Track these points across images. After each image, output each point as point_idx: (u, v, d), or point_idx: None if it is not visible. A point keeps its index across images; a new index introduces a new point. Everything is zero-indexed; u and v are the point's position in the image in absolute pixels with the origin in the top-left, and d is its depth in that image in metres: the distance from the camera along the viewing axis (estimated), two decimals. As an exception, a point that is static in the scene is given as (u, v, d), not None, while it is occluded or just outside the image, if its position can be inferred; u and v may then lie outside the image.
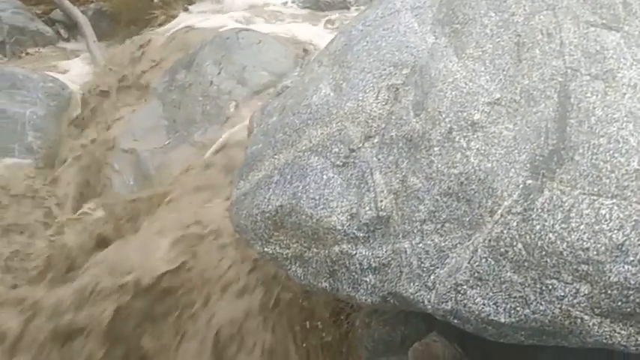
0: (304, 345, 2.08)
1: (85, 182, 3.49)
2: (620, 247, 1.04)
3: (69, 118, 3.71)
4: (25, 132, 3.53)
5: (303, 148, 1.50)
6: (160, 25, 4.28)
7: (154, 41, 4.08)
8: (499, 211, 1.11)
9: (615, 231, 1.05)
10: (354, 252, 1.31)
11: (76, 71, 4.04)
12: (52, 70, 3.98)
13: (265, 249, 1.46)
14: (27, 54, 4.21)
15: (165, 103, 3.70)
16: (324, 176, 1.41)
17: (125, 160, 3.52)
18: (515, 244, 1.09)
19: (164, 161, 3.40)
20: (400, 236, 1.24)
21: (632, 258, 1.03)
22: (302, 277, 1.41)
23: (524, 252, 1.07)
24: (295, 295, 2.12)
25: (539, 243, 1.06)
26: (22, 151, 3.51)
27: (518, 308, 1.08)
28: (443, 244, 1.17)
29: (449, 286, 1.13)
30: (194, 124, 3.52)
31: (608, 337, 1.07)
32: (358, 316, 2.04)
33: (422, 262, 1.19)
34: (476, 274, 1.11)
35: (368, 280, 1.28)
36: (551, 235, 1.08)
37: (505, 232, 1.10)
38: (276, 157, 1.55)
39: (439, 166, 1.25)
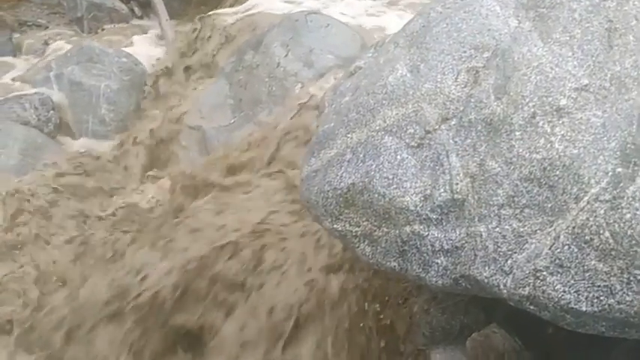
0: (361, 325, 2.09)
1: (153, 156, 3.61)
2: None
3: (140, 93, 3.83)
4: (99, 105, 3.67)
5: (377, 127, 1.50)
6: (230, 5, 4.34)
7: (223, 21, 4.15)
8: (585, 198, 1.08)
9: None
10: (426, 233, 1.30)
11: (148, 48, 4.16)
12: (125, 46, 4.11)
13: (335, 226, 1.47)
14: (103, 30, 4.37)
15: (232, 83, 3.77)
16: (398, 156, 1.40)
17: (192, 136, 3.62)
18: (602, 232, 1.05)
19: (229, 139, 3.48)
20: (476, 220, 1.22)
21: None
22: (370, 256, 1.41)
23: (611, 240, 1.04)
24: (354, 276, 2.13)
25: (628, 232, 1.03)
26: (96, 123, 3.66)
27: (601, 297, 1.05)
28: (522, 230, 1.15)
29: (527, 272, 1.11)
30: (259, 104, 3.58)
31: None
32: (417, 301, 2.03)
33: (498, 247, 1.17)
34: (557, 261, 1.08)
35: (439, 261, 1.27)
36: (642, 224, 1.03)
37: (591, 219, 1.07)
38: (348, 135, 1.56)
39: (520, 150, 1.22)
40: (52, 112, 3.56)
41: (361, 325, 2.09)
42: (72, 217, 3.05)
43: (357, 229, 1.43)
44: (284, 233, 2.41)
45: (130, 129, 3.69)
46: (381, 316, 2.09)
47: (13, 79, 3.82)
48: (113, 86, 3.70)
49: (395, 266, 1.36)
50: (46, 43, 4.14)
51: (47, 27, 4.34)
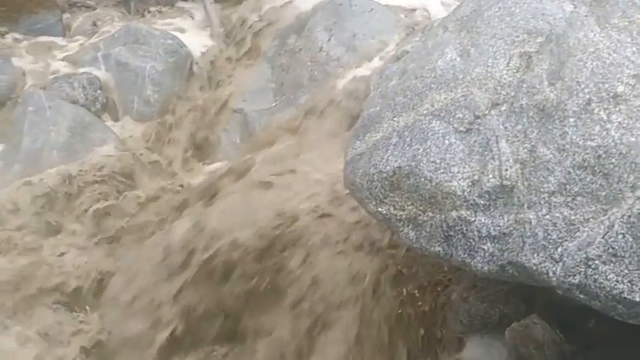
0: (399, 310, 2.09)
1: (196, 138, 3.66)
2: None
3: (184, 75, 3.87)
4: (145, 85, 3.72)
5: (425, 111, 1.49)
6: (275, -11, 4.33)
7: (267, 5, 4.15)
8: (643, 187, 1.05)
9: None
10: (473, 219, 1.29)
11: (192, 31, 4.20)
12: (170, 28, 4.16)
13: (379, 209, 1.47)
14: (149, 12, 4.42)
15: (274, 67, 3.78)
16: (446, 141, 1.39)
17: (234, 119, 3.65)
18: (659, 221, 1.03)
19: (270, 122, 3.50)
20: (525, 206, 1.20)
21: None
22: (414, 240, 1.41)
23: (669, 231, 1.01)
24: (395, 261, 2.13)
25: (687, 222, 1.00)
26: (141, 103, 3.72)
27: (657, 288, 1.02)
28: (573, 217, 1.13)
29: (578, 260, 1.09)
30: (301, 88, 3.59)
31: None
32: (456, 289, 2.02)
33: (548, 234, 1.15)
34: (610, 250, 1.06)
35: (486, 247, 1.26)
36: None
37: (649, 208, 1.05)
38: (395, 119, 1.55)
39: (574, 137, 1.19)
40: (99, 91, 3.64)
41: (399, 310, 2.09)
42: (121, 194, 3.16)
43: (401, 212, 1.43)
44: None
45: (174, 110, 3.74)
46: (420, 303, 2.09)
47: (63, 59, 3.91)
48: (158, 67, 3.75)
49: (439, 251, 1.36)
50: (95, 24, 4.21)
51: (95, 8, 4.42)
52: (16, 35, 4.07)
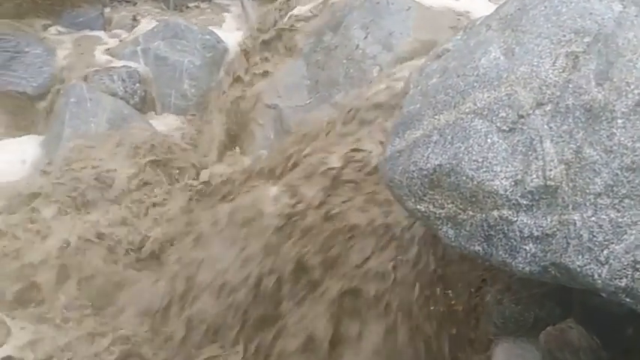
0: (432, 308, 2.09)
1: (231, 132, 3.70)
2: None
3: (221, 69, 3.92)
4: (182, 79, 3.79)
5: (467, 110, 1.48)
6: (311, -14, 4.34)
7: (303, 2, 4.17)
8: (695, 191, 1.03)
9: None
10: (515, 219, 1.28)
11: (229, 26, 4.25)
12: (208, 23, 4.22)
13: (418, 206, 1.46)
14: (187, 7, 4.49)
15: (310, 64, 3.79)
16: (489, 140, 1.38)
17: (268, 114, 3.68)
18: None
19: (304, 119, 3.51)
20: (570, 208, 1.19)
21: None
22: (453, 239, 1.40)
23: None
24: (429, 259, 2.12)
25: None
26: (178, 97, 3.78)
27: None
28: (620, 220, 1.11)
29: (625, 263, 1.07)
30: (336, 85, 3.59)
31: None
32: (490, 290, 2.00)
33: (594, 236, 1.14)
34: (659, 254, 1.04)
35: (528, 248, 1.25)
36: None
37: (701, 212, 1.02)
38: (436, 117, 1.54)
39: (622, 139, 1.17)
40: (137, 85, 3.72)
41: (432, 309, 2.08)
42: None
43: (441, 210, 1.42)
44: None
45: (210, 104, 3.79)
46: (453, 302, 2.08)
47: (103, 52, 4.00)
48: (196, 62, 3.81)
49: (479, 250, 1.35)
50: (134, 19, 4.30)
51: (135, 3, 4.52)
52: (60, 28, 4.18)
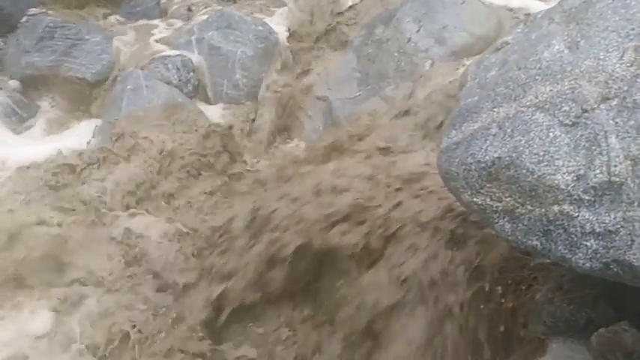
0: (481, 306, 2.07)
1: (280, 123, 3.74)
2: None
3: (272, 60, 3.96)
4: (234, 69, 3.84)
5: (528, 103, 1.46)
6: (364, -22, 4.33)
7: (355, -6, 4.17)
8: None
9: None
10: (576, 214, 1.26)
11: (281, 18, 4.28)
12: (261, 14, 4.26)
13: (474, 199, 1.45)
14: (240, -1, 4.55)
15: (360, 56, 3.79)
16: (550, 134, 1.36)
17: (317, 106, 3.70)
18: None
19: (353, 111, 3.52)
20: (635, 204, 1.16)
21: None
22: (509, 233, 1.39)
23: None
24: (478, 255, 2.10)
25: None
26: (230, 87, 3.84)
27: None
28: (690, 218, 1.08)
29: (694, 262, 1.05)
30: (386, 78, 3.58)
31: None
32: (541, 289, 1.97)
33: (661, 234, 1.11)
34: None
35: (589, 244, 1.23)
36: None
37: None
38: (495, 110, 1.53)
39: (693, 136, 1.14)
40: (191, 74, 3.78)
41: (481, 306, 2.06)
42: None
43: (498, 204, 1.41)
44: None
45: (261, 95, 3.83)
46: (503, 300, 2.06)
47: (158, 41, 4.10)
48: (248, 53, 3.85)
49: (536, 245, 1.33)
50: (189, 9, 4.38)
51: (191, -7, 4.60)
52: (118, 17, 4.30)
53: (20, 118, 3.65)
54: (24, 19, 3.98)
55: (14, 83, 3.83)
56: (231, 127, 3.56)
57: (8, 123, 3.55)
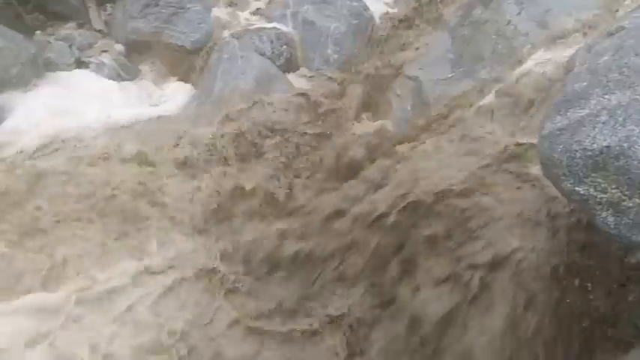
0: (568, 300, 2.00)
1: (368, 101, 3.73)
2: None
3: (365, 37, 3.94)
4: (327, 44, 3.85)
5: (645, 92, 1.38)
6: (464, -42, 4.19)
7: (454, -26, 4.05)
8: None
9: None
10: (692, 212, 1.18)
11: (375, -4, 4.23)
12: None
13: (577, 188, 1.40)
14: (336, -26, 4.52)
15: (455, 37, 3.69)
16: (668, 125, 1.28)
17: (407, 86, 3.64)
18: None
19: (445, 93, 3.44)
20: None
21: None
22: (612, 226, 1.33)
23: None
24: (569, 249, 2.03)
25: None
26: (321, 62, 3.86)
27: None
28: None
29: None
30: (481, 61, 3.46)
31: None
32: (634, 290, 1.89)
33: None
34: None
35: None
36: None
37: None
38: (606, 96, 1.46)
39: None
40: (284, 46, 3.83)
41: (567, 300, 2.00)
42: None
43: (602, 195, 1.35)
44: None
45: (351, 71, 3.82)
46: (591, 297, 1.99)
47: (254, 13, 4.17)
48: (341, 28, 3.85)
49: (642, 241, 1.27)
50: (286, -17, 4.42)
51: (287, -33, 4.62)
52: (217, -13, 4.40)
53: (122, 80, 3.85)
54: (132, -15, 4.16)
55: (119, 47, 4.04)
56: (319, 103, 3.59)
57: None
